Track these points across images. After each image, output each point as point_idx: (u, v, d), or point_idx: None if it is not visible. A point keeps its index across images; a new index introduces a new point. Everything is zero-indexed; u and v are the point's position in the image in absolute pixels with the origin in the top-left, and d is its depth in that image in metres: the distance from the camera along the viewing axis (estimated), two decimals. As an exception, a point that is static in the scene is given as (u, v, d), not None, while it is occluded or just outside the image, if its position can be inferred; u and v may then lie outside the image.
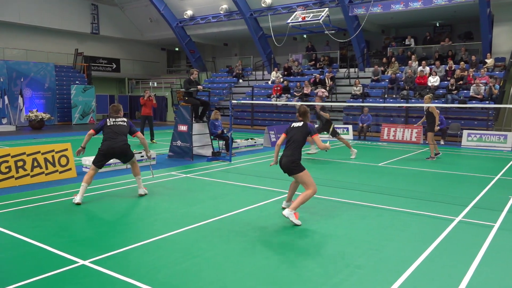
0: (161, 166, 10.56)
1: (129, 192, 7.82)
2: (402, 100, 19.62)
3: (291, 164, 6.07)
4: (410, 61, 21.40)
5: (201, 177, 9.27)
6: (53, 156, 8.91)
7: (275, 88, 23.46)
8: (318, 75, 23.44)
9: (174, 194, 7.71)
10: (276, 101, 22.27)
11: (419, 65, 21.34)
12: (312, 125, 6.25)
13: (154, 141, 15.86)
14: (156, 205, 6.98)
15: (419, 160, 12.68)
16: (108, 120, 7.32)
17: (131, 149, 7.43)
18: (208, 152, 12.36)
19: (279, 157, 6.35)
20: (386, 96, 20.48)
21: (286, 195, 7.07)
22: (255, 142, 14.65)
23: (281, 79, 24.97)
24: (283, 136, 6.32)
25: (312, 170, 10.22)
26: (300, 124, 6.28)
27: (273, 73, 25.84)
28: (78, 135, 18.42)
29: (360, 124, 17.84)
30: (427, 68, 20.65)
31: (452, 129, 17.22)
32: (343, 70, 25.13)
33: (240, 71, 28.54)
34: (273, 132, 15.71)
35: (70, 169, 9.14)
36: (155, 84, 31.80)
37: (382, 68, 22.69)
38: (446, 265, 4.69)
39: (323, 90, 22.37)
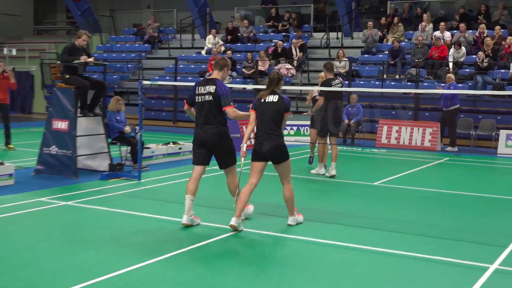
0: (24, 188, 10.22)
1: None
2: (409, 83, 20.23)
3: (280, 149, 7.65)
4: (422, 23, 22.18)
5: (90, 206, 9.10)
6: None
7: (212, 62, 23.41)
8: (280, 42, 23.70)
9: (47, 234, 7.50)
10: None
11: (435, 29, 22.15)
12: (288, 99, 7.80)
13: (10, 146, 15.33)
14: (19, 252, 6.76)
15: (435, 177, 13.08)
16: (198, 86, 8.08)
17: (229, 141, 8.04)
18: (103, 164, 12.15)
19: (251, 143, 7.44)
20: (385, 76, 21.02)
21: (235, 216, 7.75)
22: (180, 149, 14.55)
23: (222, 48, 25.01)
24: (253, 113, 7.78)
25: (273, 192, 10.31)
26: (275, 98, 7.71)
27: (209, 37, 25.84)
28: None
29: (346, 121, 18.22)
30: (448, 34, 21.42)
31: (484, 129, 17.98)
32: (319, 35, 25.54)
33: (156, 34, 28.32)
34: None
35: None
36: (14, 52, 30.77)
37: (379, 33, 23.33)
38: None
39: (289, 66, 22.66)
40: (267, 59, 23.31)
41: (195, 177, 8.03)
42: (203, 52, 25.82)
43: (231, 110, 7.88)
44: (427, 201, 10.18)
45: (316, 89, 12.74)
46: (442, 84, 17.99)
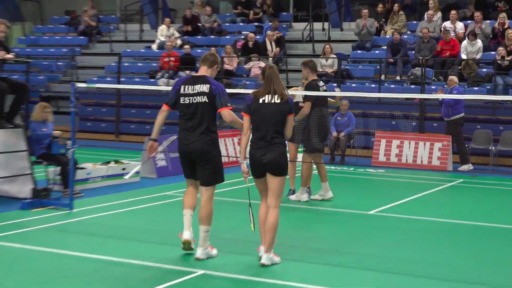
0: None
1: None
2: (413, 87, 20.36)
3: (283, 160, 7.89)
4: (429, 12, 22.34)
5: (8, 244, 8.93)
6: None
7: (165, 59, 23.47)
8: (252, 35, 23.73)
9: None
10: (168, 85, 22.16)
11: (445, 18, 22.37)
12: (292, 98, 8.12)
13: None
14: None
15: (446, 203, 13.13)
16: (183, 85, 8.22)
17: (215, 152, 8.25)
18: (24, 190, 11.96)
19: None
20: (382, 77, 21.14)
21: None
22: (123, 169, 14.46)
23: (178, 41, 24.95)
24: (247, 119, 7.94)
25: (236, 222, 10.26)
26: (277, 97, 7.89)
27: (162, 28, 25.79)
28: None
29: (334, 133, 18.23)
30: (460, 25, 21.62)
31: (506, 143, 18.09)
32: (300, 25, 25.64)
33: (94, 23, 28.18)
34: (162, 148, 15.57)
35: None
36: None
37: (376, 23, 23.46)
38: None
39: (262, 64, 22.61)
40: (235, 55, 23.33)
41: (190, 191, 8.36)
42: (154, 46, 25.79)
43: (227, 113, 8.03)
44: (436, 235, 10.19)
45: (299, 93, 12.63)
46: (433, 87, 18.14)
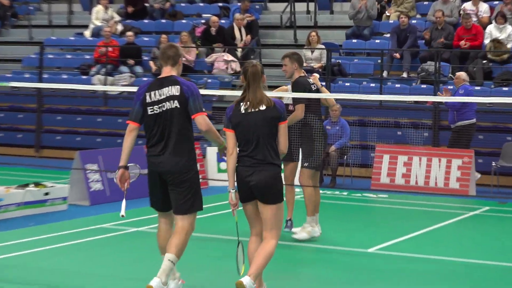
0: None
1: None
2: (424, 86, 20.47)
3: (274, 183, 7.89)
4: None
5: None
6: None
7: (102, 50, 23.40)
8: (215, 18, 23.77)
9: None
10: (106, 83, 22.10)
11: (464, -1, 22.62)
12: (280, 102, 8.20)
13: None
14: None
15: (467, 239, 13.21)
16: (147, 92, 8.16)
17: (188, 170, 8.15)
18: None
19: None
20: (385, 74, 21.27)
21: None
22: (46, 194, 14.39)
23: (118, 26, 24.92)
24: (231, 135, 7.96)
25: (204, 258, 10.26)
26: (262, 105, 7.93)
27: (98, 10, 25.79)
28: None
29: (323, 147, 18.26)
30: (484, 7, 21.85)
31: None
32: (278, 6, 25.75)
33: (8, 3, 27.98)
34: (95, 167, 15.53)
35: None
36: None
37: (377, 4, 23.53)
38: None
39: (229, 56, 22.66)
40: (194, 45, 23.32)
41: (163, 230, 8.33)
42: (87, 33, 25.81)
43: (203, 119, 7.98)
44: (453, 279, 10.19)
45: (288, 95, 12.56)
46: (450, 87, 18.27)
